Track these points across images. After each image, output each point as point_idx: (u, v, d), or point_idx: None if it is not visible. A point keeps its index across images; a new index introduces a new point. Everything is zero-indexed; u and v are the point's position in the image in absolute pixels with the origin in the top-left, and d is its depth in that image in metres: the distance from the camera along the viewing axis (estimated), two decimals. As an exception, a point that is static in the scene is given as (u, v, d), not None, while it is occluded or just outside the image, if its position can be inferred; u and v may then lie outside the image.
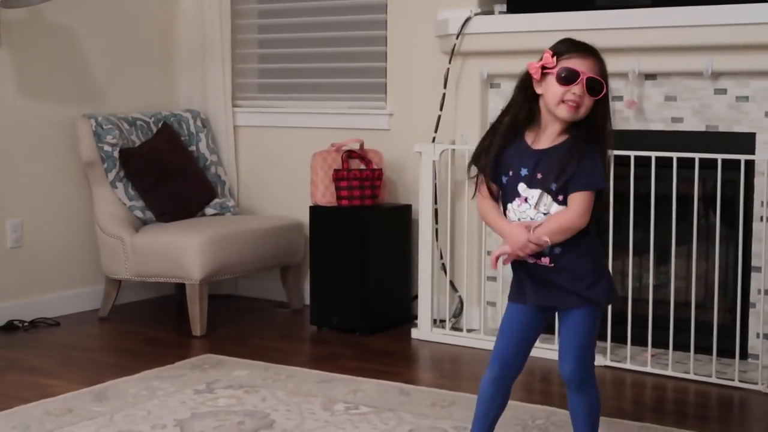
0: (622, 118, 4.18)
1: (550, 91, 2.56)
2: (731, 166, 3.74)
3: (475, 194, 2.69)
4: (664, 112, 4.11)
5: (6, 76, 4.67)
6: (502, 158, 2.62)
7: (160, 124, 5.04)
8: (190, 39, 5.32)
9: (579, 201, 2.54)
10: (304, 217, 4.83)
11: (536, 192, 2.57)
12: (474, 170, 2.70)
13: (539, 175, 2.56)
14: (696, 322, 3.81)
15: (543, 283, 2.62)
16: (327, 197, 4.62)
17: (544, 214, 2.56)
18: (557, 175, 2.53)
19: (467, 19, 4.34)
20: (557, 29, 4.13)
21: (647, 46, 4.03)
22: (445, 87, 4.47)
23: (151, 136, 4.97)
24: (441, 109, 4.48)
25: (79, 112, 4.83)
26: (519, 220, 2.59)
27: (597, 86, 2.54)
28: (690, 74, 4.02)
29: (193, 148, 5.16)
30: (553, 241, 2.56)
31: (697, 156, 3.76)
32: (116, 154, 4.74)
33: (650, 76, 4.12)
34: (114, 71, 5.12)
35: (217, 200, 5.07)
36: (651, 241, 3.83)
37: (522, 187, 2.59)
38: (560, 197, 2.55)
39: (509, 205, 2.62)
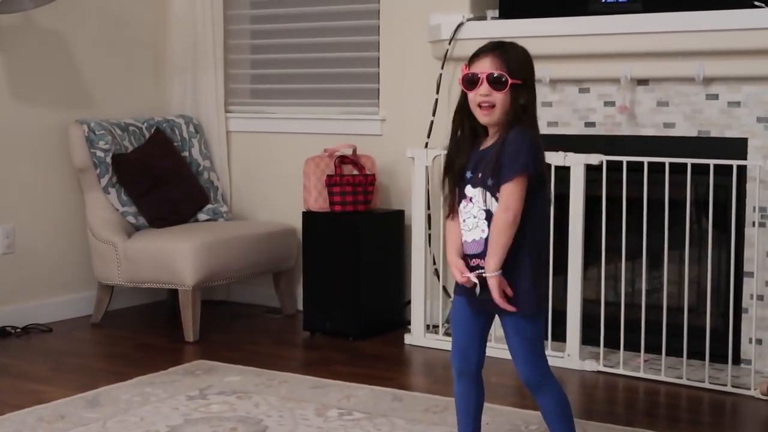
0: (614, 123, 4.19)
1: (469, 99, 2.63)
2: (723, 172, 3.75)
3: (449, 215, 2.73)
4: (656, 117, 4.12)
5: (-2, 82, 4.67)
6: (459, 169, 2.68)
7: (152, 130, 5.04)
8: (182, 44, 5.32)
9: (502, 194, 2.56)
10: (297, 223, 4.82)
11: (478, 190, 2.62)
12: (446, 188, 2.74)
13: (479, 174, 2.62)
14: (689, 327, 3.81)
15: (482, 286, 2.63)
16: (320, 203, 4.62)
17: (485, 210, 2.60)
18: (492, 171, 2.57)
19: (459, 25, 4.35)
20: (549, 35, 4.16)
21: (639, 52, 4.04)
22: (437, 92, 4.48)
23: (144, 141, 4.97)
24: (434, 115, 4.48)
25: (71, 118, 4.82)
26: (464, 221, 2.65)
27: (500, 79, 2.57)
28: (682, 79, 4.03)
29: (186, 153, 5.15)
30: (502, 257, 2.57)
31: (689, 161, 3.77)
32: (109, 159, 4.74)
33: (642, 82, 4.13)
34: (106, 77, 5.12)
35: (209, 206, 5.07)
36: (644, 246, 3.84)
37: (468, 188, 2.65)
38: (498, 194, 2.59)
39: (459, 209, 2.68)
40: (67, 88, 4.95)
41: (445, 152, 2.73)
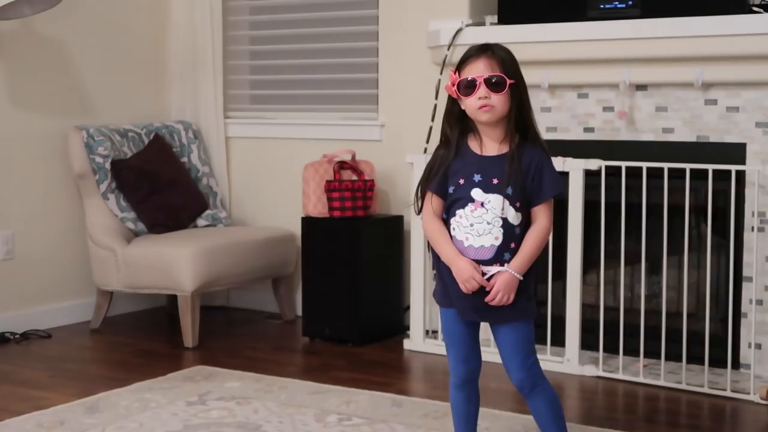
0: (613, 128, 4.19)
1: (466, 104, 2.63)
2: (722, 177, 3.75)
3: (421, 209, 2.73)
4: (654, 122, 4.12)
5: (-3, 88, 4.67)
6: (447, 172, 2.67)
7: (151, 136, 5.04)
8: (181, 50, 5.32)
9: (546, 210, 2.65)
10: (296, 229, 4.82)
11: (495, 197, 2.60)
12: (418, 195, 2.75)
13: (495, 181, 2.61)
14: (688, 332, 3.81)
15: (481, 294, 2.63)
16: (319, 208, 4.62)
17: (502, 218, 2.59)
18: (511, 181, 2.59)
19: (458, 30, 4.35)
20: (548, 40, 4.17)
21: (638, 57, 4.04)
22: (436, 98, 4.47)
23: (143, 147, 4.97)
24: (432, 120, 4.48)
25: (70, 124, 4.82)
26: (472, 225, 2.62)
27: (498, 82, 2.58)
28: (681, 85, 4.03)
29: (185, 159, 5.15)
30: (526, 266, 2.62)
31: (688, 166, 3.77)
32: (108, 165, 4.73)
33: (641, 87, 4.13)
34: (106, 83, 5.12)
35: (209, 211, 5.07)
36: (643, 252, 3.83)
37: (477, 192, 2.62)
38: (517, 204, 2.61)
39: (459, 212, 2.64)
40: (66, 94, 4.95)
41: (434, 153, 2.73)
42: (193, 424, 3.38)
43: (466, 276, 2.62)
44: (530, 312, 2.67)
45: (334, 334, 4.56)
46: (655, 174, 3.83)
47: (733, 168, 3.72)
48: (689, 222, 3.81)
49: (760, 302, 3.90)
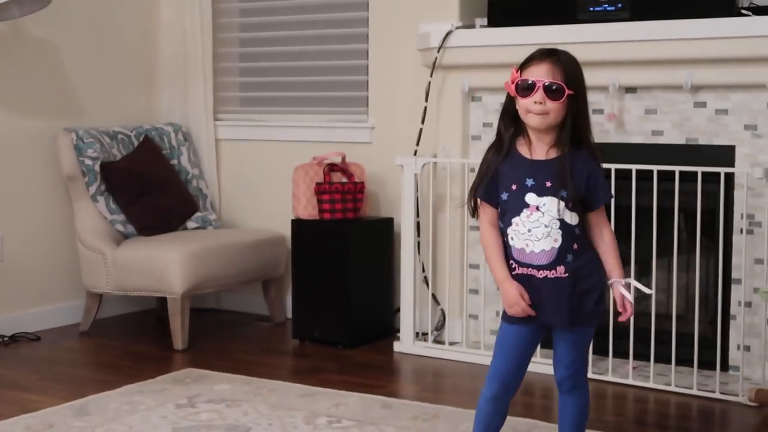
0: (603, 131, 4.20)
1: (519, 104, 2.60)
2: (711, 179, 3.76)
3: (475, 213, 2.70)
4: (644, 125, 4.13)
5: (-14, 90, 4.66)
6: (499, 178, 2.63)
7: (141, 138, 5.03)
8: (171, 53, 5.31)
9: (604, 214, 2.66)
10: (286, 231, 4.82)
11: (549, 199, 2.57)
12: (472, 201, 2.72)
13: (548, 183, 2.58)
14: (677, 334, 3.82)
15: (550, 299, 2.61)
16: (309, 210, 4.62)
17: (559, 220, 2.57)
18: (564, 183, 2.56)
19: (448, 33, 4.36)
20: (538, 43, 4.13)
21: (627, 60, 4.05)
22: (426, 100, 4.48)
23: (133, 149, 4.96)
24: (423, 123, 4.48)
25: (60, 126, 4.81)
26: (530, 231, 2.58)
27: (557, 89, 2.55)
28: (670, 87, 4.04)
29: (175, 161, 5.15)
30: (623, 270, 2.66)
31: (677, 169, 3.78)
32: (97, 167, 4.72)
33: (630, 90, 4.14)
34: (95, 85, 5.11)
35: (198, 214, 5.06)
36: (632, 254, 3.84)
37: (531, 197, 2.59)
38: (570, 204, 2.58)
39: (515, 219, 2.60)
40: (55, 96, 4.94)
41: (485, 153, 2.69)
42: (183, 426, 3.37)
43: (511, 301, 2.61)
44: (599, 315, 2.65)
45: (324, 337, 4.56)
46: (644, 176, 3.84)
47: (722, 170, 3.73)
48: (678, 224, 3.82)
49: (748, 304, 3.91)
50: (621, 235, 3.89)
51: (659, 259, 3.89)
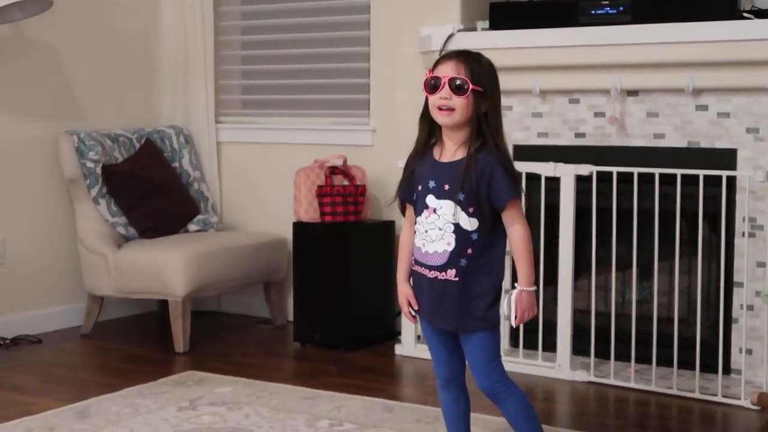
0: (604, 134, 4.20)
1: (429, 102, 2.67)
2: (713, 182, 3.76)
3: (404, 212, 2.81)
4: (646, 128, 4.14)
5: (-12, 93, 4.67)
6: (414, 176, 2.72)
7: (142, 141, 5.04)
8: (173, 55, 5.32)
9: (514, 214, 2.64)
10: (288, 234, 4.82)
11: (446, 203, 2.63)
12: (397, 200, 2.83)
13: (446, 187, 2.63)
14: (679, 338, 3.82)
15: (439, 300, 2.68)
16: (310, 213, 4.62)
17: (453, 224, 2.62)
18: (464, 186, 2.60)
19: (450, 36, 4.36)
20: (539, 46, 4.17)
21: (629, 63, 4.05)
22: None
23: (134, 152, 4.97)
24: (424, 126, 4.48)
25: (61, 129, 4.82)
26: (426, 231, 2.66)
27: (462, 85, 2.60)
28: (671, 90, 4.05)
29: (176, 164, 5.15)
30: (531, 275, 2.65)
31: (678, 172, 3.78)
32: (99, 170, 4.73)
33: (632, 93, 4.14)
34: (97, 87, 5.12)
35: (200, 216, 5.06)
36: (634, 257, 3.85)
37: (430, 198, 2.66)
38: (470, 209, 2.62)
39: (418, 219, 2.69)
40: (57, 98, 4.95)
41: (408, 156, 2.76)
42: (184, 429, 3.38)
43: (400, 301, 2.78)
44: (490, 320, 2.68)
45: (326, 340, 4.56)
46: (646, 179, 3.84)
47: (724, 173, 3.73)
48: (680, 227, 3.82)
49: (750, 308, 3.91)
50: (623, 238, 3.90)
51: (661, 262, 3.89)
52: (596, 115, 4.23)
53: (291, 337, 4.71)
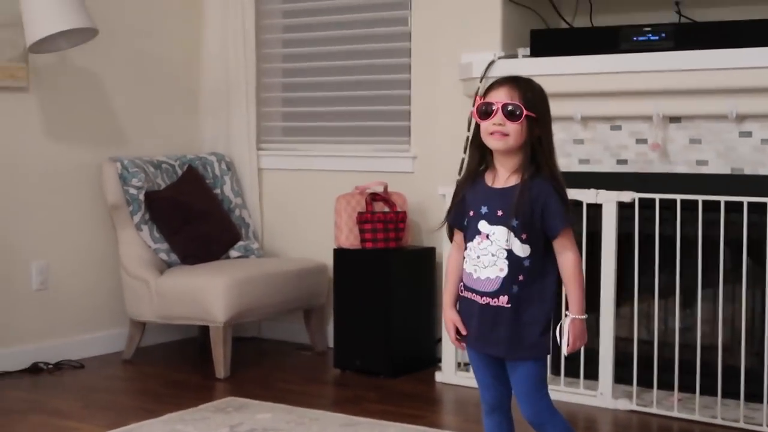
0: (647, 161, 4.18)
1: (481, 128, 2.66)
2: (757, 209, 3.73)
3: (452, 238, 2.79)
4: (688, 154, 4.11)
5: (34, 120, 4.73)
6: (465, 202, 2.71)
7: (185, 167, 5.09)
8: (214, 82, 5.38)
9: (566, 242, 2.64)
10: (328, 260, 4.84)
11: (499, 228, 2.62)
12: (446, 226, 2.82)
13: (500, 213, 2.62)
14: (723, 366, 3.78)
15: (490, 327, 2.66)
16: (351, 240, 4.64)
17: (506, 250, 2.61)
18: (518, 212, 2.59)
19: (491, 63, 4.37)
20: (581, 72, 4.17)
21: (671, 89, 4.04)
22: (468, 130, 4.49)
23: (177, 179, 5.01)
24: (465, 152, 4.49)
25: (105, 156, 4.88)
26: (478, 257, 2.64)
27: (515, 110, 2.60)
28: (714, 117, 4.02)
29: (218, 190, 5.19)
30: (582, 303, 2.64)
31: (722, 199, 3.75)
32: (141, 197, 4.78)
33: (674, 119, 4.12)
34: (139, 114, 5.18)
35: (241, 243, 5.09)
36: (677, 284, 3.82)
37: (483, 224, 2.64)
38: (524, 236, 2.61)
39: (469, 245, 2.68)
40: (100, 126, 5.01)
41: (458, 182, 2.77)
42: (225, 455, 3.38)
43: (447, 327, 2.75)
44: (541, 348, 2.66)
45: (366, 366, 4.56)
46: (689, 207, 3.82)
47: (769, 200, 3.70)
48: (724, 255, 3.79)
49: (796, 336, 3.86)
50: (666, 266, 3.87)
51: (704, 290, 3.85)
52: (638, 141, 4.22)
53: (331, 364, 4.71)
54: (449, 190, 4.33)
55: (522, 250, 2.62)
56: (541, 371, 2.69)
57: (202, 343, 5.09)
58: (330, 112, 5.30)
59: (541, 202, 2.60)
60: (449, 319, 2.74)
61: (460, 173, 4.49)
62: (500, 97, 2.63)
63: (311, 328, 5.02)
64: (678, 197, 3.81)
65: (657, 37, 4.08)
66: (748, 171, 3.99)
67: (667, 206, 3.84)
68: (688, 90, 4.01)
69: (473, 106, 2.69)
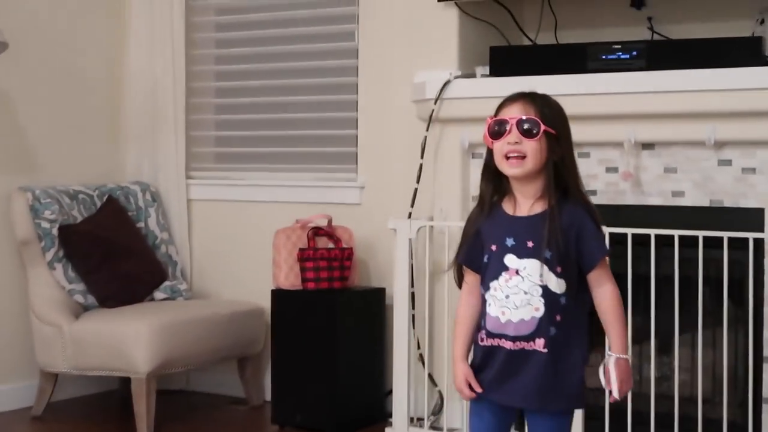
0: (618, 191, 4.22)
1: (495, 151, 2.61)
2: (738, 245, 3.77)
3: (460, 282, 2.72)
4: (663, 184, 4.16)
5: (-68, 145, 4.69)
6: (481, 237, 2.65)
7: (104, 198, 5.05)
8: (140, 103, 5.36)
9: (604, 269, 2.61)
10: (266, 302, 4.82)
11: (531, 262, 2.55)
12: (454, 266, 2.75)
13: (530, 244, 2.56)
14: (703, 420, 3.81)
15: (515, 373, 2.59)
16: (291, 279, 4.63)
17: (541, 286, 2.55)
18: (549, 243, 2.54)
19: (446, 83, 4.40)
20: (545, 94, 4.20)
21: (643, 113, 4.08)
22: (422, 157, 4.51)
23: (95, 211, 4.98)
24: (418, 182, 4.51)
25: (14, 185, 4.83)
26: (507, 297, 2.57)
27: (532, 127, 2.56)
28: (691, 143, 4.07)
29: (142, 224, 5.16)
30: (625, 341, 2.60)
31: (700, 234, 3.79)
32: (55, 231, 4.74)
33: (647, 146, 4.17)
34: (54, 139, 5.14)
35: (167, 283, 5.07)
36: (652, 328, 3.84)
37: (510, 259, 2.57)
38: (558, 269, 2.55)
39: (493, 284, 2.60)
40: (9, 151, 4.97)
41: (469, 216, 2.71)
42: None
43: (458, 385, 2.65)
44: (581, 398, 2.61)
45: (308, 422, 4.54)
46: (664, 242, 3.85)
47: (751, 236, 3.75)
48: (703, 296, 3.83)
49: (782, 385, 3.90)
50: (639, 308, 3.90)
51: (682, 334, 3.88)
52: (608, 170, 4.26)
53: (268, 419, 4.69)
54: (401, 224, 4.37)
55: (558, 285, 2.56)
56: (570, 426, 2.64)
57: (122, 396, 5.04)
58: (268, 136, 5.30)
59: (575, 229, 2.56)
60: (461, 372, 2.64)
61: (412, 205, 4.51)
62: (513, 113, 2.58)
63: (246, 379, 4.99)
64: (652, 232, 3.85)
65: (628, 56, 4.13)
66: (728, 203, 4.04)
67: (641, 242, 3.88)
68: (663, 114, 4.06)
69: (486, 127, 2.63)
